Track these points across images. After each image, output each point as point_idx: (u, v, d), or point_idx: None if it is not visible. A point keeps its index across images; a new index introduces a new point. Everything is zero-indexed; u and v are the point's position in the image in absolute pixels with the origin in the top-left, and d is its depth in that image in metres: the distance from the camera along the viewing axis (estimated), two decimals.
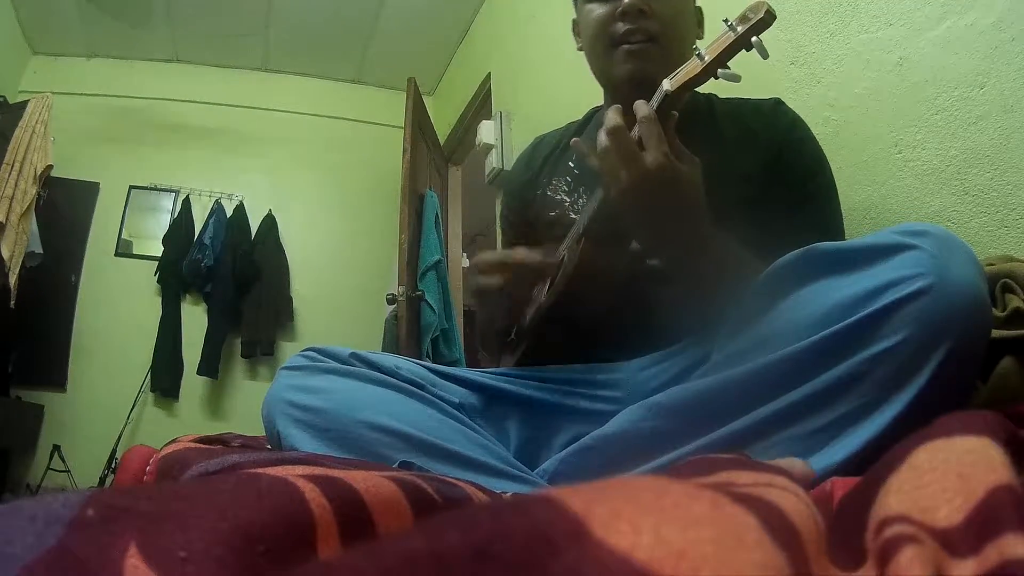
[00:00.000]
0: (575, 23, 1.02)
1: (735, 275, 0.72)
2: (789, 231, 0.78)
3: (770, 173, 0.88)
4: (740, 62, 0.69)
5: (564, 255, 0.86)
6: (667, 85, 0.70)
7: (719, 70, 0.67)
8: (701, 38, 0.99)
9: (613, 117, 0.69)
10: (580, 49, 1.01)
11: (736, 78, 0.68)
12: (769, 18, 0.64)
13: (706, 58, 0.67)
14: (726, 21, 0.66)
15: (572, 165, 1.02)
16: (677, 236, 0.73)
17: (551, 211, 0.99)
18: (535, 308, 0.90)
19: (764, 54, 0.65)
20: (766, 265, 0.69)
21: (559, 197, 1.00)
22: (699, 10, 1.00)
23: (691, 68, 0.69)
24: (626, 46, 0.90)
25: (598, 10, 0.92)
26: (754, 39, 0.65)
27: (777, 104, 0.95)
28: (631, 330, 0.86)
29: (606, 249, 0.81)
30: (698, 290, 0.76)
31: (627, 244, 0.86)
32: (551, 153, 1.08)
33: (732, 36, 0.66)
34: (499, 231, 1.22)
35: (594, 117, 1.08)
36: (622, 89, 0.95)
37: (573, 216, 0.96)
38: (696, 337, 0.81)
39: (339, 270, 3.71)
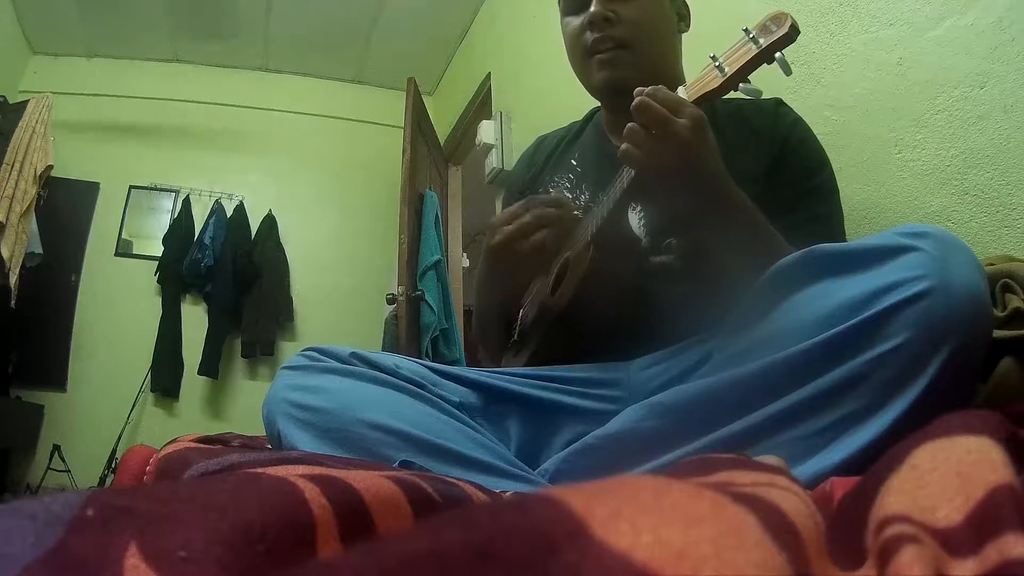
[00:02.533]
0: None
1: (764, 235, 0.74)
2: (790, 229, 0.78)
3: (773, 172, 0.88)
4: None
5: (568, 257, 0.86)
6: (682, 94, 0.69)
7: (740, 84, 0.65)
8: (685, 31, 1.00)
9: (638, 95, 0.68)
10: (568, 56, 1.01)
11: (758, 93, 0.66)
12: (794, 33, 0.61)
13: (726, 70, 0.65)
14: (746, 31, 0.64)
15: (575, 163, 1.02)
16: (721, 188, 0.73)
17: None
18: (539, 309, 0.90)
19: (787, 71, 0.63)
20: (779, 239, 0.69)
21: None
22: (681, 2, 1.00)
23: (709, 79, 0.67)
24: (598, 56, 0.91)
25: (572, 23, 0.95)
26: (777, 55, 0.62)
27: (778, 104, 0.95)
28: (635, 330, 0.86)
29: (615, 255, 0.81)
30: (735, 251, 0.76)
31: (636, 249, 0.86)
32: (553, 151, 1.09)
33: (754, 49, 0.63)
34: None
35: (594, 117, 1.09)
36: (603, 97, 0.97)
37: (576, 212, 0.96)
38: (698, 336, 0.81)
39: (339, 270, 3.71)
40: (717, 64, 0.66)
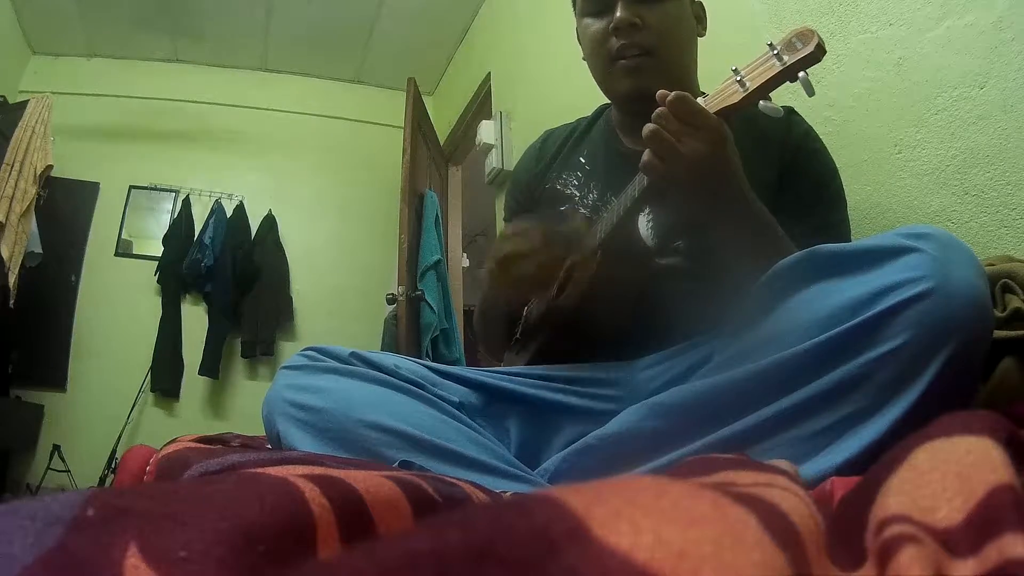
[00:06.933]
0: (578, 32, 1.02)
1: (774, 238, 0.74)
2: (801, 237, 0.78)
3: (784, 180, 0.88)
4: (736, 57, 0.67)
5: (576, 260, 0.86)
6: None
7: (760, 102, 0.64)
8: (702, 35, 0.99)
9: (663, 96, 0.68)
10: (584, 59, 1.01)
11: (778, 112, 0.65)
12: (819, 52, 0.60)
13: (748, 86, 0.64)
14: (770, 46, 0.62)
15: (583, 161, 1.02)
16: (739, 197, 0.73)
17: (560, 205, 0.99)
18: (543, 310, 0.90)
19: (810, 91, 0.61)
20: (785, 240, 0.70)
21: (569, 191, 1.00)
22: (699, 5, 1.00)
23: (729, 93, 0.66)
24: (623, 62, 0.90)
25: (594, 26, 0.93)
26: (801, 74, 0.61)
27: (790, 112, 0.95)
28: (640, 333, 0.86)
29: (622, 260, 0.81)
30: (745, 253, 0.76)
31: (643, 254, 0.86)
32: (561, 147, 1.08)
33: (778, 66, 0.61)
34: (500, 225, 1.21)
35: (603, 114, 1.08)
36: (625, 103, 0.96)
37: (583, 211, 0.96)
38: (699, 337, 0.81)
39: (339, 270, 3.71)
40: (739, 78, 0.65)
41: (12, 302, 2.74)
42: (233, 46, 3.67)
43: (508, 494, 0.62)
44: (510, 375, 0.88)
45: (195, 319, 3.42)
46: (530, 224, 0.86)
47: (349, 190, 3.84)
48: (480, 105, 3.20)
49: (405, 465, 0.69)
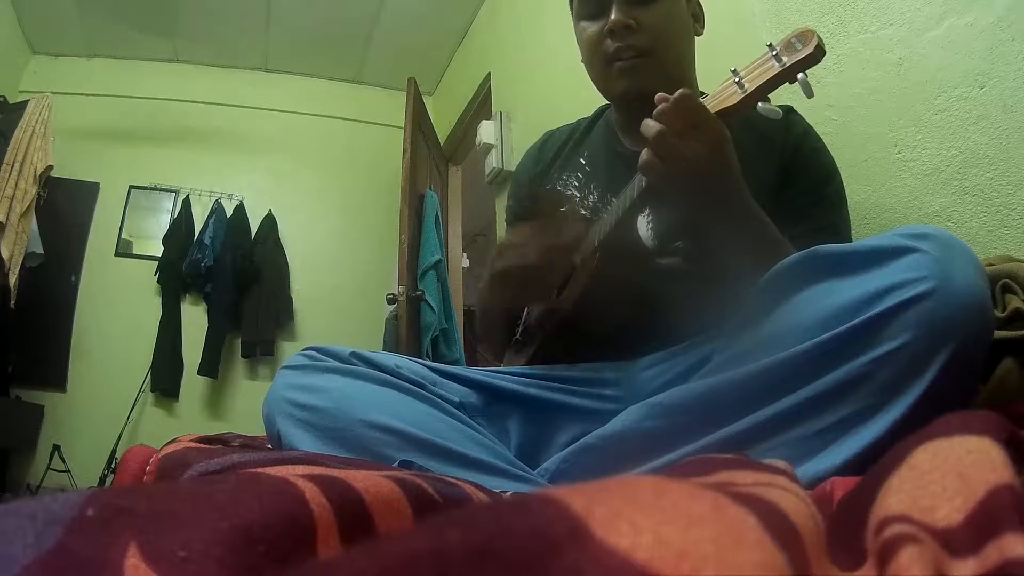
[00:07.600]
0: (576, 34, 1.02)
1: (773, 240, 0.74)
2: (801, 238, 0.78)
3: (783, 180, 0.88)
4: (736, 57, 0.67)
5: (577, 263, 0.86)
6: None
7: (759, 104, 0.64)
8: (700, 34, 0.99)
9: (662, 100, 0.68)
10: (583, 61, 1.01)
11: (776, 114, 0.65)
12: (819, 53, 0.60)
13: (746, 87, 0.64)
14: (770, 46, 0.62)
15: (583, 162, 1.02)
16: (737, 199, 0.73)
17: (560, 207, 0.99)
18: (544, 309, 0.90)
19: (809, 93, 0.61)
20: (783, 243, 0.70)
21: (569, 192, 1.00)
22: (696, 4, 0.99)
23: (727, 95, 0.66)
24: (619, 64, 0.90)
25: (589, 28, 0.93)
26: (800, 75, 0.61)
27: (789, 111, 0.94)
28: (639, 333, 0.86)
29: (621, 260, 0.81)
30: (743, 255, 0.76)
31: (643, 254, 0.86)
32: (562, 148, 1.08)
33: (776, 67, 0.61)
34: (500, 225, 1.21)
35: (603, 115, 1.08)
36: (623, 104, 0.96)
37: (584, 212, 0.96)
38: (699, 337, 0.81)
39: (339, 270, 3.71)
40: (737, 80, 0.65)
41: (12, 302, 2.74)
42: (233, 46, 3.67)
43: (508, 494, 0.62)
44: (510, 375, 0.88)
45: (195, 319, 3.42)
46: (528, 234, 0.85)
47: (349, 190, 3.84)
48: (480, 105, 3.20)
49: (405, 465, 0.69)
